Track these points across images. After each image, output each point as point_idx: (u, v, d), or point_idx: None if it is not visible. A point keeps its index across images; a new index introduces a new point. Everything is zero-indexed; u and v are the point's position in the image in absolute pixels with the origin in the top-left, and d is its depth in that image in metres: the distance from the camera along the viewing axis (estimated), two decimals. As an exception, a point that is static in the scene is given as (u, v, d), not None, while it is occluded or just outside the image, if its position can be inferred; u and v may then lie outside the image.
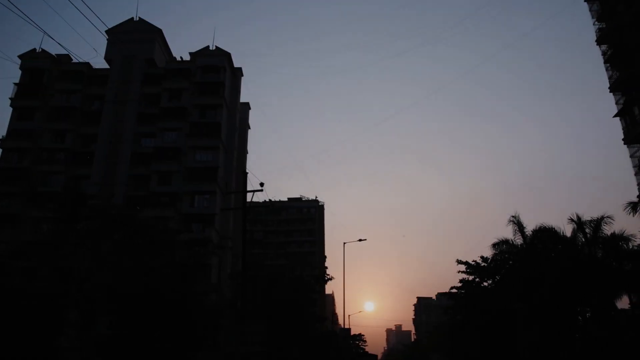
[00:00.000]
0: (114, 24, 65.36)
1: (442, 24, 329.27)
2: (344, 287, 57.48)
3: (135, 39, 64.56)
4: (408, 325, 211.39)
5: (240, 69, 71.56)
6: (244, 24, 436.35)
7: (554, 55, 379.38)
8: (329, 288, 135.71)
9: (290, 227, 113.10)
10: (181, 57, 69.16)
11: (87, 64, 64.55)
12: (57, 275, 26.02)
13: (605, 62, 47.52)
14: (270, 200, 28.85)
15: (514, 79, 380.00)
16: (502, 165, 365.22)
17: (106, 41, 63.38)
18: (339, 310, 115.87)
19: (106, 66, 65.37)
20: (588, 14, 51.95)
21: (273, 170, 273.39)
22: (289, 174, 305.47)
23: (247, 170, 25.35)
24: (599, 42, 48.36)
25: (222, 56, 66.32)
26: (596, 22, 49.90)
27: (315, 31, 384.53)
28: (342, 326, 69.64)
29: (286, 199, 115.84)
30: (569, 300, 31.33)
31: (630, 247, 29.31)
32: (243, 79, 72.77)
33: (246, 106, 78.05)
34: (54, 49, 71.06)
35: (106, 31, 57.37)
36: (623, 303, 32.00)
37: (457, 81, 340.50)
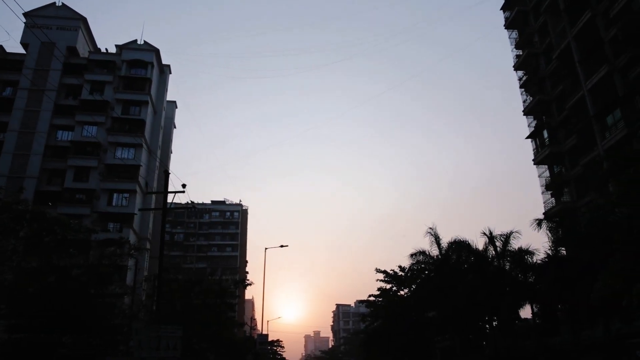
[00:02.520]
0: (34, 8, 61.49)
1: (373, 40, 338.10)
2: (263, 293, 57.25)
3: (57, 26, 61.01)
4: (326, 332, 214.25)
5: (168, 66, 69.70)
6: (175, 20, 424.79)
7: (481, 76, 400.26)
8: (249, 293, 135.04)
9: (212, 230, 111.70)
10: (106, 49, 66.25)
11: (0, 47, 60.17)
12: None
13: (520, 87, 51.13)
14: (192, 202, 28.17)
15: (440, 96, 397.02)
16: (426, 179, 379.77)
17: (23, 25, 59.46)
18: (258, 315, 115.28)
19: (22, 51, 61.19)
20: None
21: (198, 172, 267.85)
22: (214, 177, 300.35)
23: (169, 171, 24.64)
24: (516, 68, 51.98)
25: (151, 51, 64.27)
26: (514, 49, 53.65)
27: (249, 33, 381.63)
28: (261, 332, 69.11)
29: (209, 202, 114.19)
30: (479, 309, 33.09)
31: (535, 261, 31.44)
32: (171, 77, 71.01)
33: (172, 105, 76.08)
34: (-37, 28, 65.38)
35: (24, 14, 53.89)
36: (526, 312, 34.32)
37: (383, 95, 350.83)
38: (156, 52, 64.81)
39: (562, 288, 25.46)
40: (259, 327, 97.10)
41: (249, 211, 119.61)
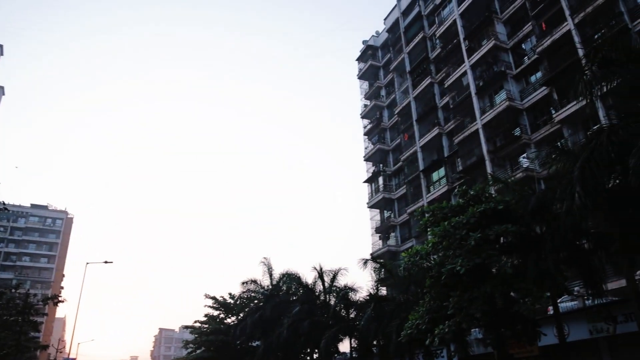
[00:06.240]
0: None
1: (230, 67, 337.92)
2: (77, 312, 52.05)
3: None
4: (146, 358, 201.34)
5: (1, 47, 61.66)
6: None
7: (333, 117, 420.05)
8: (62, 311, 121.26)
9: (27, 236, 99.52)
10: None
11: None
12: None
13: (364, 134, 55.09)
14: (3, 202, 24.50)
15: (289, 133, 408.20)
16: (268, 209, 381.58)
17: None
18: (69, 336, 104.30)
19: None
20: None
21: (21, 170, 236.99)
22: (41, 178, 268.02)
23: (-19, 164, 21.46)
24: (362, 116, 56.01)
25: (-19, 26, 56.41)
26: (363, 99, 57.88)
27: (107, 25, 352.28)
28: (68, 355, 62.27)
29: (29, 205, 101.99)
30: (303, 340, 33.93)
31: (357, 298, 33.42)
32: (2, 59, 62.80)
33: None
34: None
35: None
36: (345, 346, 36.01)
37: (227, 123, 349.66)
38: (-12, 28, 57.09)
39: (378, 325, 27.29)
40: (67, 349, 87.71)
41: (75, 220, 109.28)
